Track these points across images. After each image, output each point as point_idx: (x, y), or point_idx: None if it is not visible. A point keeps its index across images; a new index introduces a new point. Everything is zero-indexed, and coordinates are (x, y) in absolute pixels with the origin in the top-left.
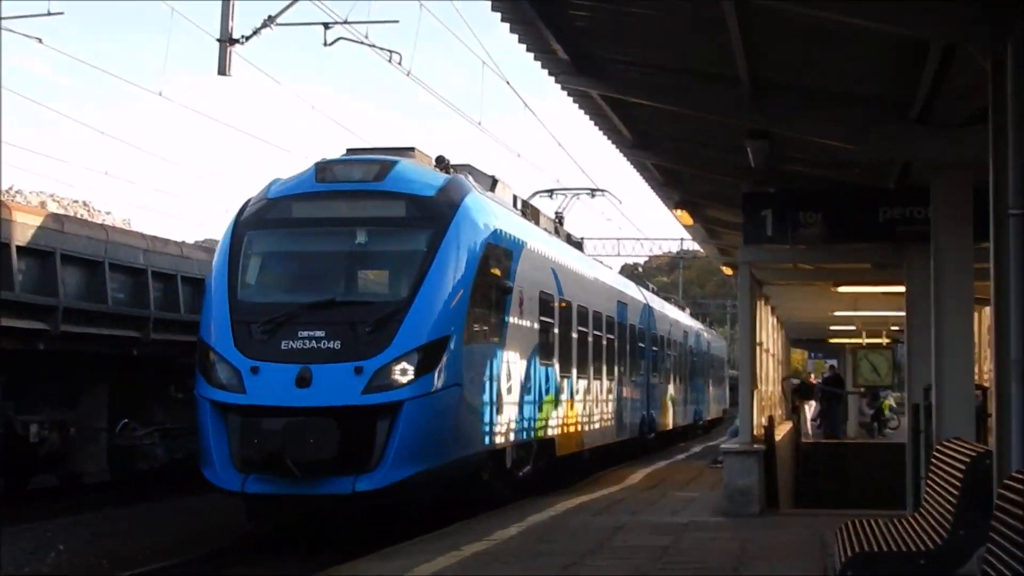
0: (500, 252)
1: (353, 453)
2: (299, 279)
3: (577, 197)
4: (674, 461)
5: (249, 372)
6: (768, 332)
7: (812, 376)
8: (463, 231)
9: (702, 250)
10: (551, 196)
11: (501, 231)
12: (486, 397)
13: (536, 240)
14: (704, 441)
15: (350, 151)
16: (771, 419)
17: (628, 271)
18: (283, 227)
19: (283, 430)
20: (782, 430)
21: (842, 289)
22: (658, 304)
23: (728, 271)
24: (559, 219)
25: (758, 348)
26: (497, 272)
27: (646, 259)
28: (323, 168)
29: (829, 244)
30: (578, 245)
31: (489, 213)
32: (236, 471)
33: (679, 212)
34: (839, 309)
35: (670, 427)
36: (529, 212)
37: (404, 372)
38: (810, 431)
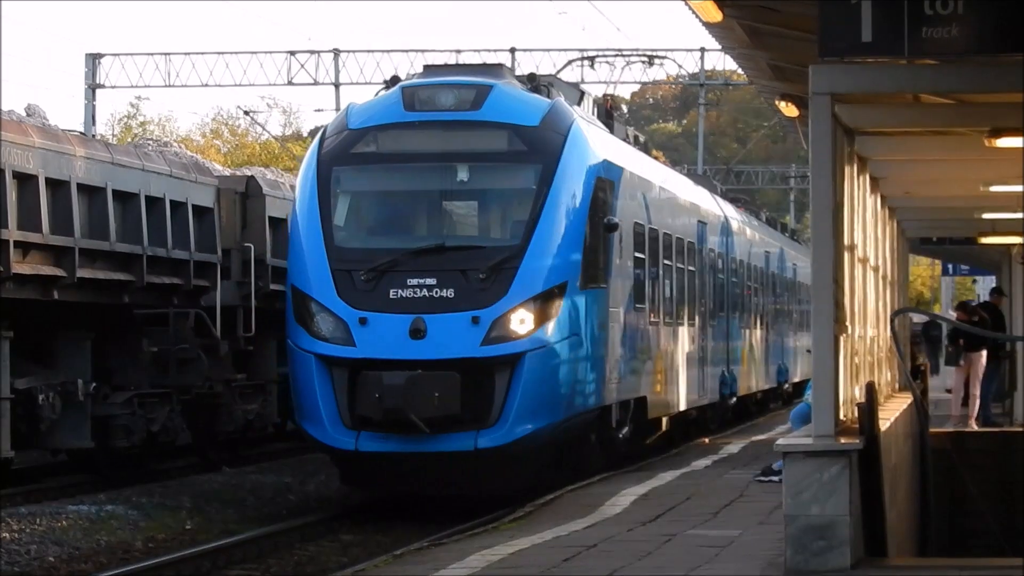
0: (606, 184)
1: (473, 408)
2: (399, 222)
3: (627, 66)
4: (691, 470)
5: (357, 324)
6: (868, 227)
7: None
8: (573, 165)
9: (740, 71)
10: (592, 66)
11: (606, 161)
12: (598, 349)
13: (629, 162)
14: (760, 429)
15: (429, 69)
16: (872, 389)
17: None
18: (373, 162)
19: (406, 384)
20: (893, 410)
21: (1004, 143)
22: (735, 216)
23: (789, 111)
24: (609, 106)
25: (848, 257)
26: (604, 207)
27: (635, 89)
28: (411, 93)
29: (981, 56)
30: (645, 147)
31: (594, 141)
32: (347, 428)
33: None
34: (1000, 181)
35: (751, 390)
36: (609, 121)
37: (523, 322)
38: (952, 411)
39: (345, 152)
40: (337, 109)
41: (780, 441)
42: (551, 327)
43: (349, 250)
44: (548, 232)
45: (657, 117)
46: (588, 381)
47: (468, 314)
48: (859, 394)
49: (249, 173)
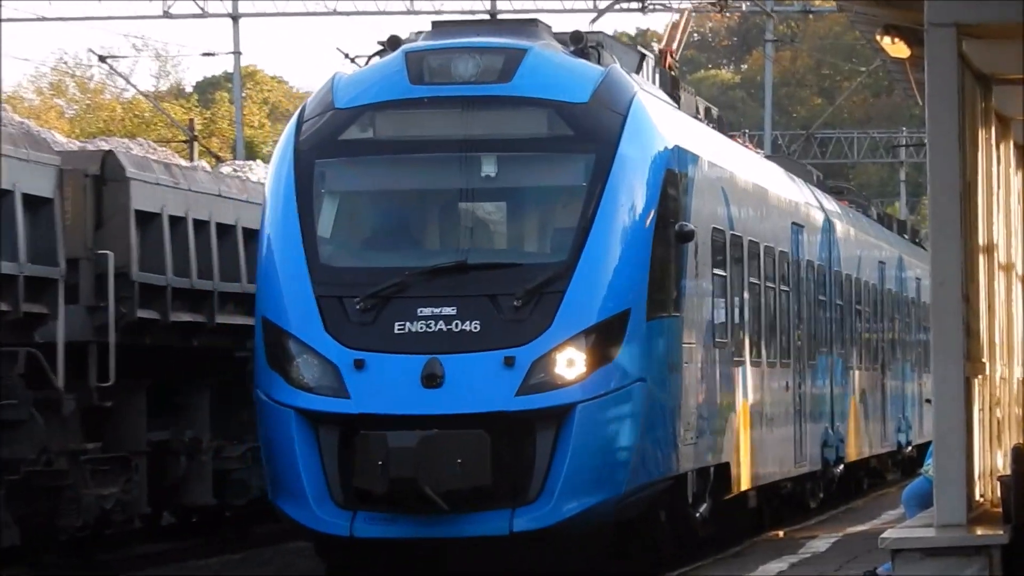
0: (678, 178)
1: (507, 479)
2: (405, 232)
3: (690, 13)
4: None
5: (352, 368)
6: (1014, 218)
7: None
8: (636, 154)
9: None
10: (644, 9)
11: (677, 147)
12: (670, 399)
13: (705, 148)
14: (859, 516)
15: (439, 27)
16: (1021, 456)
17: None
18: (370, 153)
19: (419, 447)
20: None
21: None
22: (838, 215)
23: (896, 51)
24: (670, 67)
25: (985, 263)
26: (676, 209)
27: (671, 21)
28: (418, 60)
29: None
30: (720, 124)
31: (661, 120)
32: (338, 507)
33: None
34: None
35: (862, 454)
36: (675, 92)
37: (572, 364)
38: None
39: (332, 139)
40: (237, 51)
41: (888, 534)
42: (610, 370)
43: (340, 270)
44: (604, 244)
45: (705, 60)
46: (658, 442)
47: (499, 354)
48: (1003, 464)
49: (107, 147)
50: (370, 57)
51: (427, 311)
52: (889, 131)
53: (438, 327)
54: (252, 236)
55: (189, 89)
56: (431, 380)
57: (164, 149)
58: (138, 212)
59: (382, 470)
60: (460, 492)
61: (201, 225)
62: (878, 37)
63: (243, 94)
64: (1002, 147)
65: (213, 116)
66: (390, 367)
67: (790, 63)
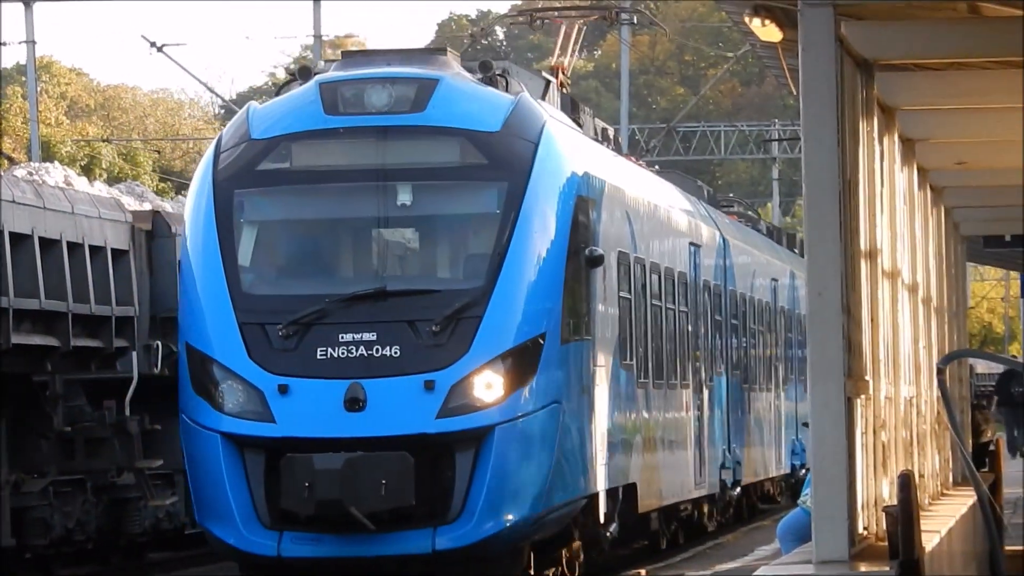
0: (587, 205)
1: (429, 499)
2: (325, 260)
3: (583, 26)
4: None
5: (276, 393)
6: (899, 220)
7: None
8: (547, 181)
9: None
10: (531, 26)
11: (586, 173)
12: (583, 420)
13: (609, 171)
14: (730, 551)
15: (349, 56)
16: (909, 484)
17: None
18: (287, 183)
19: (343, 470)
20: (945, 517)
21: None
22: (733, 233)
23: (767, 34)
24: (562, 85)
25: (867, 270)
26: (586, 234)
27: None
28: (332, 90)
29: None
30: (616, 144)
31: (568, 147)
32: (265, 528)
33: None
34: None
35: (758, 476)
36: (576, 114)
37: (490, 387)
38: None
39: (249, 170)
40: (31, 40)
41: (762, 571)
42: (527, 393)
43: (261, 298)
44: (519, 269)
45: (552, 47)
46: (572, 462)
47: (419, 378)
48: (888, 493)
49: None
50: (281, 87)
51: (348, 337)
52: (760, 124)
53: (359, 352)
54: (50, 246)
55: None
56: (353, 404)
57: None
58: None
59: (309, 492)
60: (384, 512)
61: None
62: (747, 19)
63: (38, 88)
64: (885, 140)
65: (4, 113)
66: (313, 392)
67: (649, 49)
